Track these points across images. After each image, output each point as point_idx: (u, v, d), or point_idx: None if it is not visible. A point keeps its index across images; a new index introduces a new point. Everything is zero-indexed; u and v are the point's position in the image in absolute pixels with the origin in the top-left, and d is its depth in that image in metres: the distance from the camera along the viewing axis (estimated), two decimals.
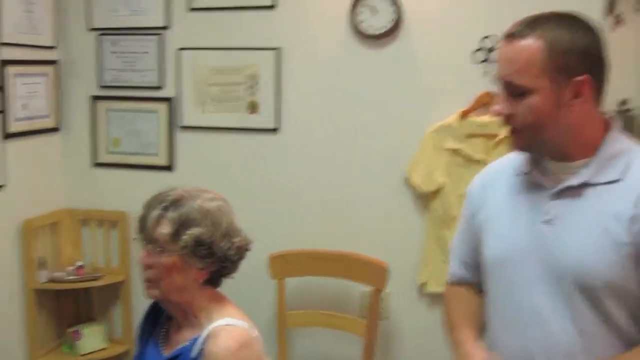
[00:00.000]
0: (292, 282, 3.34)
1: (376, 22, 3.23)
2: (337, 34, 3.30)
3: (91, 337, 3.63)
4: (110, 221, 3.70)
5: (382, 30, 3.22)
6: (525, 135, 1.66)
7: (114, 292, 3.74)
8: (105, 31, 3.63)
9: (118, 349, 3.69)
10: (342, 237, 3.37)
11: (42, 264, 3.49)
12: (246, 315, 2.02)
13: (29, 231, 3.43)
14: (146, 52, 3.56)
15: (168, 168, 3.60)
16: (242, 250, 2.01)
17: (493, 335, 1.83)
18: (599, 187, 1.63)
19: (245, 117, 3.46)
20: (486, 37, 3.11)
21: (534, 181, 1.73)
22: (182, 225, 1.89)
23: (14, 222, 3.40)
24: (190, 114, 3.54)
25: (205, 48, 3.48)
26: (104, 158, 3.71)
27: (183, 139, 3.58)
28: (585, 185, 1.64)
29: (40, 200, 3.58)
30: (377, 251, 3.24)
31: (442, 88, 3.22)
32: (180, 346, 1.92)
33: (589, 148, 1.66)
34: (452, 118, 3.16)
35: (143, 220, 1.96)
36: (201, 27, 3.49)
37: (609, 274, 1.59)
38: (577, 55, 1.59)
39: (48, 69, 3.60)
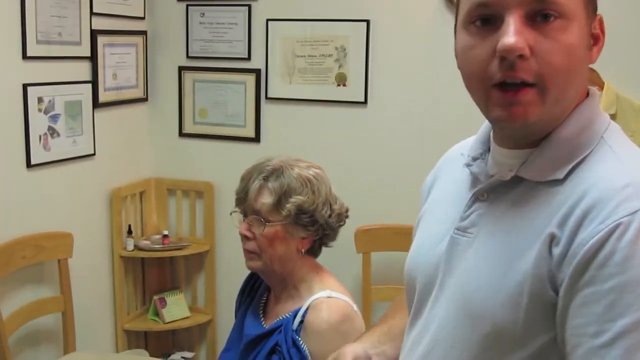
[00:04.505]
0: (378, 257, 3.32)
1: None
2: (428, 5, 3.22)
3: (176, 306, 3.68)
4: (196, 191, 3.72)
5: None
6: (547, 93, 1.02)
7: (198, 261, 3.77)
8: (193, 2, 3.62)
9: (201, 318, 3.73)
10: None
11: (129, 232, 3.54)
12: (345, 288, 2.00)
13: (117, 200, 3.47)
14: (235, 24, 3.54)
15: (254, 139, 3.59)
16: (342, 217, 2.02)
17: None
18: (540, 187, 1.05)
19: (333, 90, 3.42)
20: None
21: (473, 172, 1.19)
22: (284, 194, 1.89)
23: (102, 191, 3.45)
24: (277, 86, 3.52)
25: (293, 19, 3.45)
26: (191, 128, 3.73)
27: (270, 111, 3.57)
28: (520, 180, 1.08)
29: (127, 169, 3.62)
30: None
31: None
32: (280, 318, 1.92)
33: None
34: None
35: (242, 192, 1.95)
36: None
37: (499, 315, 1.03)
38: None
39: (137, 39, 3.62)
